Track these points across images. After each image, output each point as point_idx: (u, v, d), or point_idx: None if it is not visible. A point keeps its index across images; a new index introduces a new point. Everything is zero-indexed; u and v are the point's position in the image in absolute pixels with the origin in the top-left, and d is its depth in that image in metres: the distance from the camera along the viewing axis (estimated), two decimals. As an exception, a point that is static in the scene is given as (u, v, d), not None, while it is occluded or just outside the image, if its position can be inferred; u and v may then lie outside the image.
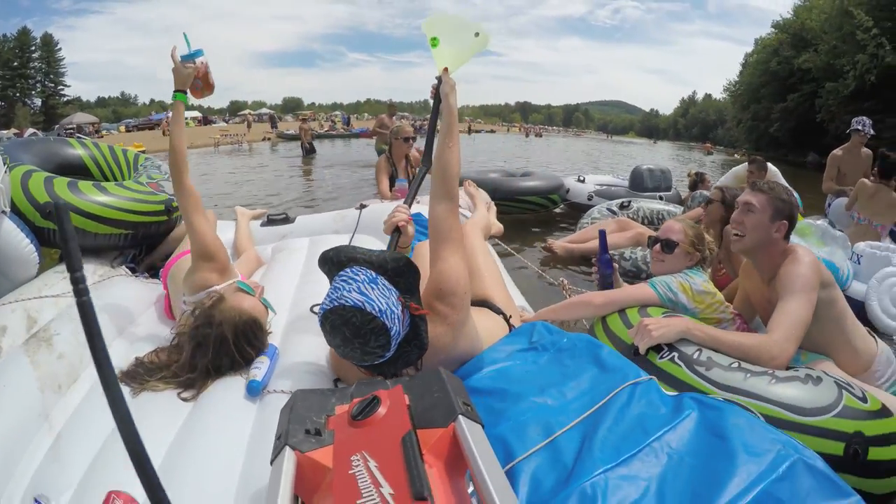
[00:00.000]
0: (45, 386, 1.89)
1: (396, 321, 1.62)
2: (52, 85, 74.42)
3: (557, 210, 7.88)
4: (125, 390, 1.91)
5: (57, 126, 49.87)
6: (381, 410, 1.05)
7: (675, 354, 2.12)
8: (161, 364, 2.03)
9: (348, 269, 1.68)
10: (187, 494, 1.47)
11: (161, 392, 1.93)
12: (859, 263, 4.00)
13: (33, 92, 72.75)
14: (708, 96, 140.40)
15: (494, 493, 0.84)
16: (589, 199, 7.15)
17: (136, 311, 2.68)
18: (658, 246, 2.75)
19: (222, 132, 32.66)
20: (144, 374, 1.99)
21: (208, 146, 25.36)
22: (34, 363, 1.95)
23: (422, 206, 3.91)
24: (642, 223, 5.57)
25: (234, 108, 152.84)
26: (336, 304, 1.58)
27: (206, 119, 67.45)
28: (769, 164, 6.43)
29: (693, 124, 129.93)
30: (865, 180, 5.25)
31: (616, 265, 3.14)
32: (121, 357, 2.17)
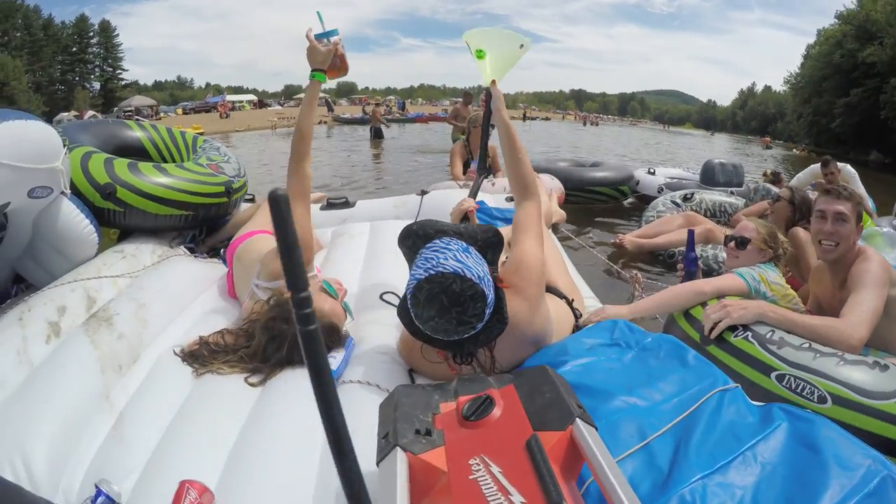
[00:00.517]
0: (106, 366, 1.88)
1: (491, 290, 1.62)
2: (111, 69, 76.70)
3: (627, 202, 7.80)
4: (187, 371, 1.91)
5: (116, 108, 51.20)
6: (497, 412, 1.00)
7: (749, 334, 2.23)
8: (227, 347, 2.00)
9: (438, 240, 1.67)
10: (259, 482, 1.44)
11: (226, 375, 1.90)
12: None
13: (92, 76, 75.09)
14: (767, 88, 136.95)
15: (624, 498, 0.81)
16: (659, 192, 6.96)
17: (196, 291, 2.67)
18: (732, 243, 2.87)
19: (279, 115, 33.04)
20: (209, 355, 1.96)
21: (265, 129, 25.76)
22: (94, 343, 1.94)
23: (484, 194, 3.88)
24: (705, 215, 5.55)
25: (289, 92, 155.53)
26: (433, 272, 1.55)
27: (262, 102, 68.79)
28: (847, 166, 6.36)
29: (752, 117, 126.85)
30: None
31: (700, 263, 3.25)
32: (180, 336, 2.16)
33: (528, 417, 0.98)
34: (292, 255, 0.56)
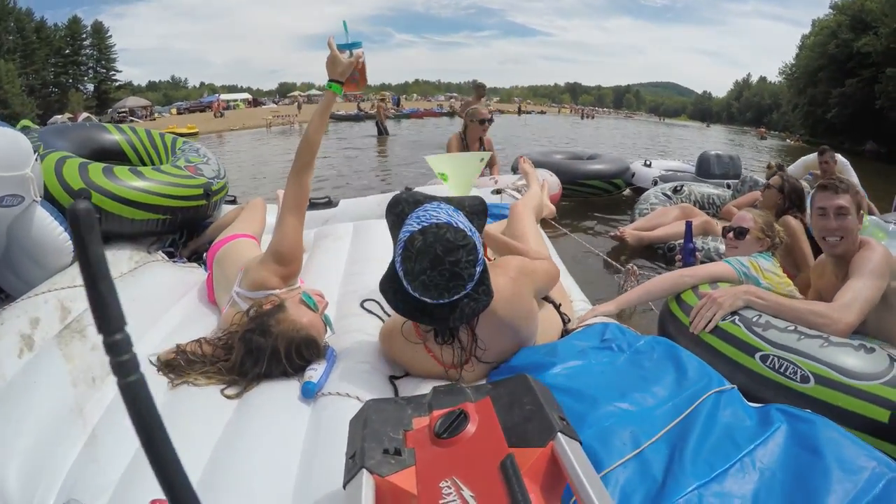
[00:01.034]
0: (79, 379, 1.82)
1: (481, 248, 1.67)
2: (104, 70, 76.97)
3: (626, 194, 7.86)
4: (163, 381, 1.87)
5: (110, 110, 51.28)
6: (470, 428, 0.95)
7: (736, 317, 2.30)
8: (205, 357, 1.96)
9: (427, 204, 1.71)
10: (234, 499, 1.40)
11: (202, 387, 1.86)
12: None
13: (86, 78, 75.35)
14: (763, 79, 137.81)
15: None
16: (654, 184, 7.02)
17: (173, 297, 2.63)
18: (731, 234, 2.97)
19: (274, 113, 33.07)
20: (185, 365, 1.92)
21: (260, 127, 25.75)
22: (67, 355, 1.89)
23: (477, 190, 3.85)
24: (694, 206, 5.64)
25: (283, 90, 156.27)
26: (427, 223, 1.61)
27: (256, 101, 69.16)
28: (839, 156, 6.40)
29: (747, 108, 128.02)
30: None
31: (699, 254, 3.38)
32: (157, 345, 2.11)
33: (505, 433, 0.93)
34: (98, 286, 0.44)
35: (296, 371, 1.93)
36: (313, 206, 4.15)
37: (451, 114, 33.87)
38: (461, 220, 1.63)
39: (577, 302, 2.72)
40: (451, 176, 2.55)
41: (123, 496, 1.41)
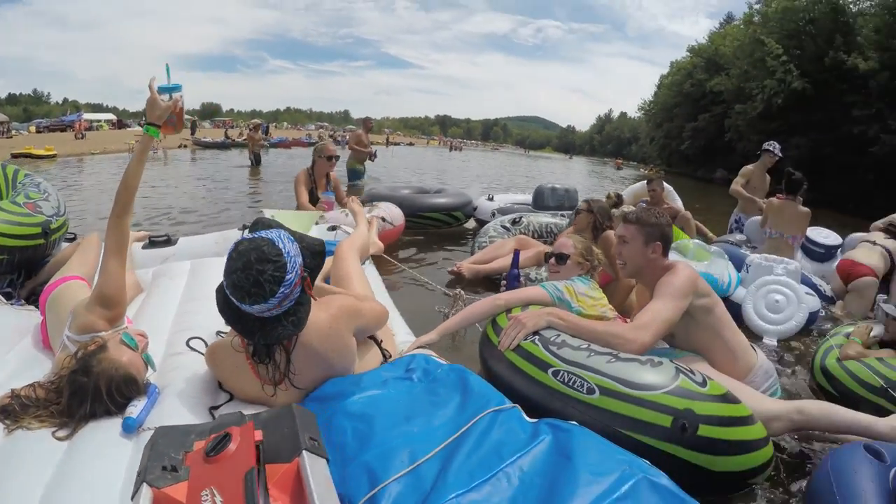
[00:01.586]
0: None
1: (294, 274, 1.80)
2: (-46, 81, 69.93)
3: (469, 226, 8.07)
4: None
5: (-40, 126, 47.18)
6: (232, 446, 1.11)
7: (537, 337, 2.55)
8: (38, 401, 1.95)
9: (274, 229, 1.89)
10: None
11: (35, 431, 1.85)
12: (748, 272, 4.61)
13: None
14: (623, 115, 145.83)
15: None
16: (492, 216, 7.24)
17: (9, 342, 2.53)
18: (553, 259, 3.23)
19: (137, 137, 31.42)
20: (20, 410, 1.90)
21: (122, 152, 24.24)
22: None
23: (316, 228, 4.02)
24: (533, 237, 5.95)
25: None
26: (255, 235, 1.82)
27: (121, 122, 65.25)
28: (664, 183, 7.14)
29: (608, 141, 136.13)
30: (773, 199, 5.83)
31: (523, 280, 3.70)
32: None
33: (262, 452, 1.10)
34: None
35: (118, 409, 1.93)
36: (152, 244, 4.10)
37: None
38: (286, 245, 1.79)
39: (401, 334, 2.86)
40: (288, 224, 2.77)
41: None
